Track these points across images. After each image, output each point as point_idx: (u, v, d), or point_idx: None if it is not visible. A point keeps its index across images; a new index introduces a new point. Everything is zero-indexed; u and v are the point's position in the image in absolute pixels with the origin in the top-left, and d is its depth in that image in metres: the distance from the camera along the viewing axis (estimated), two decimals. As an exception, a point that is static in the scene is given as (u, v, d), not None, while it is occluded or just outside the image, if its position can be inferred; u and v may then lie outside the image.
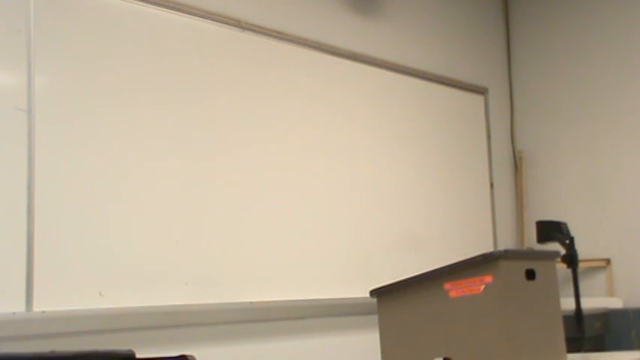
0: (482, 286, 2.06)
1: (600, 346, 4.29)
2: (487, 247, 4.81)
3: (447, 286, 2.12)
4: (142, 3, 3.19)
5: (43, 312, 2.73)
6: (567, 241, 3.19)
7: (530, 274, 2.18)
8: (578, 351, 2.78)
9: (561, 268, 2.73)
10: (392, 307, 2.22)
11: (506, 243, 5.04)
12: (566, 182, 5.02)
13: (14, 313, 2.67)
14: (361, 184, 4.07)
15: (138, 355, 1.95)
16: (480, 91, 5.01)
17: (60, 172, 2.86)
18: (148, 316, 3.06)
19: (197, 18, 3.40)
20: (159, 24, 3.25)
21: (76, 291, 2.85)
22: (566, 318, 2.44)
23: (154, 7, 3.23)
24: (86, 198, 2.92)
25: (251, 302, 3.43)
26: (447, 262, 2.13)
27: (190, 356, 2.00)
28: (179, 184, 3.24)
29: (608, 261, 4.80)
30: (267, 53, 3.68)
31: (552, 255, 2.35)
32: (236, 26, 3.57)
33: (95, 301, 2.89)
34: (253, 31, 3.63)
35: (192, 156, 3.30)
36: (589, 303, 4.33)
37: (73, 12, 2.97)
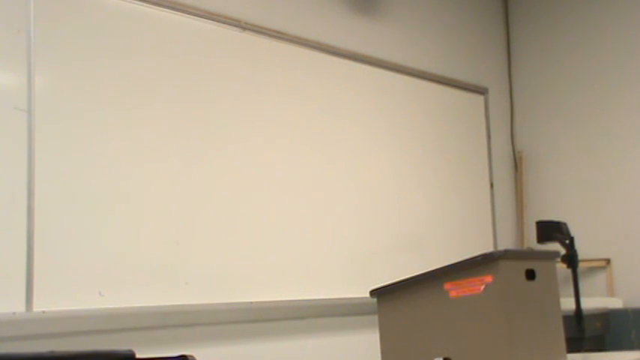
0: (483, 286, 2.06)
1: (600, 346, 4.29)
2: (487, 247, 4.81)
3: (447, 286, 2.12)
4: (142, 3, 3.19)
5: (43, 312, 2.73)
6: (567, 241, 3.19)
7: (530, 274, 2.18)
8: (578, 351, 2.78)
9: (561, 268, 2.73)
10: (392, 307, 2.22)
11: (506, 243, 5.04)
12: (566, 182, 5.02)
13: (14, 313, 2.67)
14: (361, 184, 4.07)
15: (138, 355, 1.95)
16: (480, 91, 5.01)
17: (60, 172, 2.86)
18: (148, 316, 3.06)
19: (197, 18, 3.40)
20: (159, 24, 3.25)
21: (76, 291, 2.85)
22: (566, 318, 2.44)
23: (154, 7, 3.23)
24: (86, 198, 2.92)
25: (251, 302, 3.43)
26: (447, 262, 2.13)
27: (190, 356, 2.00)
28: (179, 184, 3.24)
29: (608, 261, 4.80)
30: (267, 53, 3.68)
31: (552, 255, 2.35)
32: (236, 26, 3.57)
33: (95, 301, 2.90)
34: (253, 31, 3.63)
35: (192, 156, 3.30)
36: (589, 303, 4.32)
37: (73, 12, 2.97)
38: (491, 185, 4.99)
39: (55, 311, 2.77)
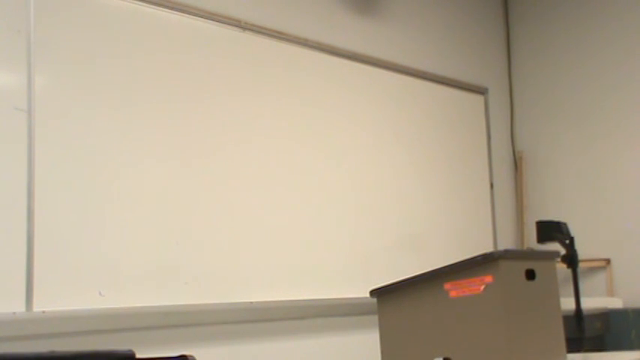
0: (483, 286, 2.06)
1: (600, 346, 4.29)
2: (487, 247, 4.81)
3: (447, 286, 2.12)
4: (142, 3, 3.19)
5: (43, 312, 2.73)
6: (567, 241, 3.19)
7: (530, 274, 2.18)
8: (578, 351, 2.78)
9: (561, 268, 2.73)
10: (392, 307, 2.22)
11: (506, 243, 5.04)
12: (566, 182, 5.02)
13: (14, 313, 2.67)
14: (361, 184, 4.06)
15: (138, 355, 1.95)
16: (480, 91, 5.01)
17: (60, 172, 2.86)
18: (148, 316, 3.06)
19: (197, 18, 3.40)
20: (159, 24, 3.25)
21: (76, 291, 2.85)
22: (566, 318, 2.44)
23: (154, 7, 3.23)
24: (86, 198, 2.92)
25: (251, 302, 3.43)
26: (447, 262, 2.13)
27: (190, 356, 2.00)
28: (179, 184, 3.24)
29: (608, 261, 4.80)
30: (267, 53, 3.68)
31: (552, 255, 2.35)
32: (236, 26, 3.57)
33: (95, 301, 2.90)
34: (253, 31, 3.63)
35: (192, 156, 3.30)
36: (589, 303, 4.33)
37: (73, 12, 2.97)
38: (491, 185, 4.99)
39: (55, 311, 2.76)
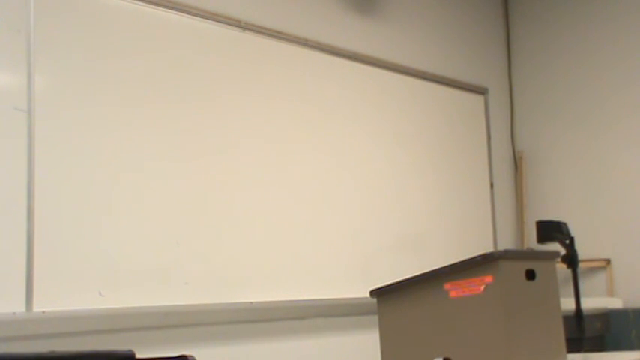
0: (483, 286, 2.06)
1: (600, 346, 4.29)
2: (487, 247, 4.81)
3: (447, 286, 2.12)
4: (142, 3, 3.19)
5: (43, 312, 2.73)
6: (567, 241, 3.19)
7: (530, 274, 2.18)
8: (578, 351, 2.78)
9: (561, 268, 2.73)
10: (392, 307, 2.22)
11: (506, 243, 5.04)
12: (566, 182, 5.02)
13: (14, 313, 2.67)
14: (361, 184, 4.07)
15: (138, 355, 1.95)
16: (480, 91, 5.01)
17: (60, 172, 2.86)
18: (148, 316, 3.06)
19: (197, 18, 3.40)
20: (159, 24, 3.25)
21: (76, 291, 2.85)
22: (566, 318, 2.44)
23: (154, 7, 3.23)
24: (86, 198, 2.92)
25: (251, 302, 3.43)
26: (447, 262, 2.13)
27: (190, 356, 2.00)
28: (179, 184, 3.24)
29: (608, 261, 4.80)
30: (267, 53, 3.68)
31: (552, 255, 2.35)
32: (236, 26, 3.57)
33: (95, 301, 2.90)
34: (253, 31, 3.63)
35: (192, 156, 3.30)
36: (589, 303, 4.33)
37: (73, 12, 2.97)
38: (491, 185, 4.99)
39: (55, 311, 2.77)
